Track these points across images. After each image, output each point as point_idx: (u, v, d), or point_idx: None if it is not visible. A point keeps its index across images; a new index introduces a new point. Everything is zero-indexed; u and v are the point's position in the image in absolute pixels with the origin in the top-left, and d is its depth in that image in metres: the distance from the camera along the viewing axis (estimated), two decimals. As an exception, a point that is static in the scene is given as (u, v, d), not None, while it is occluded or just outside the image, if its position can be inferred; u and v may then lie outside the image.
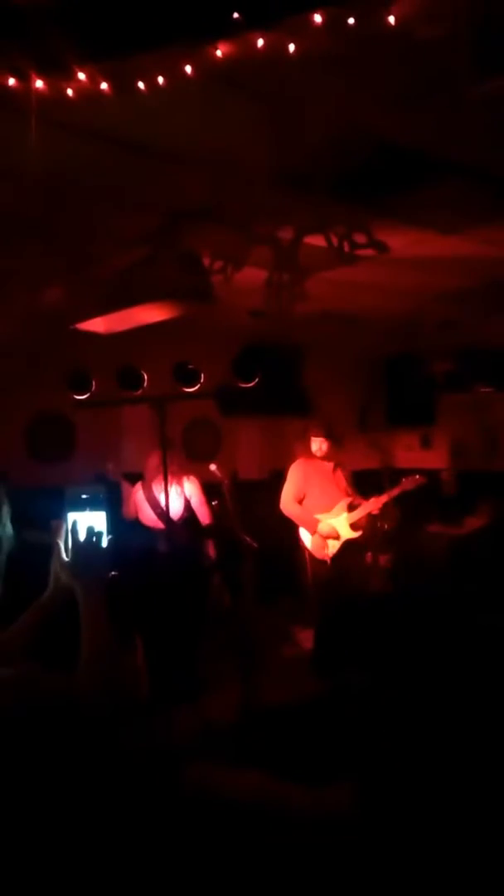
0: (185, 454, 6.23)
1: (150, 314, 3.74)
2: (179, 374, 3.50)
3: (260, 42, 1.93)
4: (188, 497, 5.18)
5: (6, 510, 1.31)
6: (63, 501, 1.58)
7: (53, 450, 6.03)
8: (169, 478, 4.92)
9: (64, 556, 1.56)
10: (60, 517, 1.57)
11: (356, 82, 2.34)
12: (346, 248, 3.12)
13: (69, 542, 1.51)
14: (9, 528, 1.30)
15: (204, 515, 5.27)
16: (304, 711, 4.49)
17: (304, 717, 4.42)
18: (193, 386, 3.51)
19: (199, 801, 3.03)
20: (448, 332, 6.06)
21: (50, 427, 6.00)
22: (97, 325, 3.99)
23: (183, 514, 5.17)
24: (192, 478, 5.23)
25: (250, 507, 5.47)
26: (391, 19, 1.82)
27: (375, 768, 3.11)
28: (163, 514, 4.71)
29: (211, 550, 5.44)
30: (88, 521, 1.57)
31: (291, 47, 1.93)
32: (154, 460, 4.92)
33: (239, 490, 5.44)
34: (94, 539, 1.48)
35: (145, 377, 3.53)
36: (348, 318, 5.87)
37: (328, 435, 5.42)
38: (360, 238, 3.15)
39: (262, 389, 4.32)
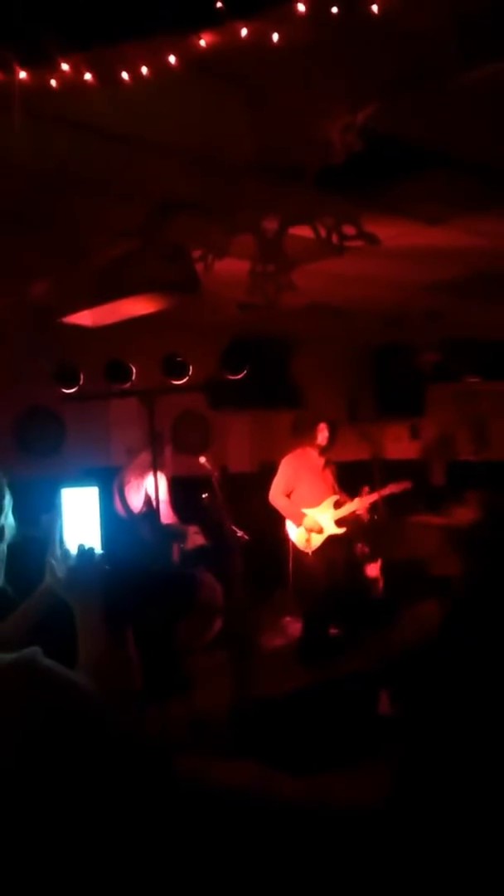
0: (175, 447, 6.23)
1: (138, 306, 3.73)
2: (168, 367, 3.50)
3: (243, 31, 1.93)
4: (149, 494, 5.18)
5: (8, 500, 1.31)
6: (53, 495, 1.58)
7: (43, 443, 6.01)
8: (140, 473, 4.95)
9: (57, 550, 1.55)
10: (51, 510, 1.57)
11: (340, 71, 2.34)
12: (335, 239, 3.12)
13: (59, 549, 1.51)
14: (10, 519, 1.31)
15: (165, 514, 5.26)
16: (294, 701, 4.52)
17: (294, 707, 4.45)
18: (182, 378, 3.51)
19: (192, 791, 3.05)
20: (435, 322, 6.08)
21: (39, 421, 5.99)
22: (84, 318, 3.98)
23: (142, 509, 5.17)
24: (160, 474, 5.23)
25: (240, 500, 5.49)
26: (374, 8, 1.82)
27: (377, 757, 3.14)
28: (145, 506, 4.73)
29: (198, 541, 5.46)
30: (81, 501, 1.58)
31: (275, 37, 1.93)
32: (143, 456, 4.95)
33: (229, 483, 5.46)
34: (89, 559, 1.47)
35: (133, 370, 3.53)
36: (336, 310, 5.88)
37: (331, 425, 5.48)
38: (349, 230, 3.15)
39: (251, 382, 4.33)
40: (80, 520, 1.59)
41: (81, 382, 3.61)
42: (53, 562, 1.57)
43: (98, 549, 1.51)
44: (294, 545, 5.55)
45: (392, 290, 5.41)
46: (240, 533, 5.37)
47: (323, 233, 3.12)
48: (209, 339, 5.50)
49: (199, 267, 3.40)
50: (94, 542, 1.56)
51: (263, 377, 5.95)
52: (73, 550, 1.51)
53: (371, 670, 4.41)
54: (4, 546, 1.29)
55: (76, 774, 1.24)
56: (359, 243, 3.15)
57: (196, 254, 3.29)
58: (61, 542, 1.59)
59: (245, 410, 7.05)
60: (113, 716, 1.34)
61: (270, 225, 3.20)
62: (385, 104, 2.57)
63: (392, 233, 3.99)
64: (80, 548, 1.49)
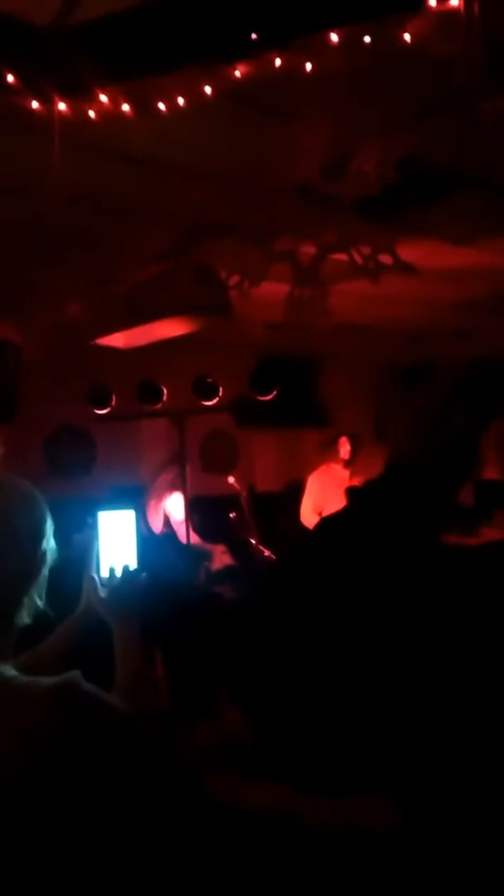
0: (203, 466, 6.26)
1: (169, 329, 3.78)
2: (199, 388, 3.53)
3: (277, 61, 1.97)
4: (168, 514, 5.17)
5: (50, 524, 1.33)
6: (85, 514, 1.61)
7: (73, 463, 6.08)
8: (159, 494, 4.95)
9: (94, 573, 1.57)
10: (83, 530, 1.60)
11: (372, 98, 2.38)
12: (372, 266, 3.15)
13: (98, 569, 1.53)
14: (52, 543, 1.33)
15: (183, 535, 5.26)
16: (321, 723, 4.47)
17: (322, 728, 4.39)
18: (212, 399, 3.54)
19: (218, 813, 3.03)
20: (463, 341, 6.07)
21: (70, 440, 6.05)
22: (117, 339, 4.04)
23: (162, 530, 5.17)
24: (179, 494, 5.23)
25: (268, 519, 5.48)
26: (406, 37, 1.85)
27: (406, 777, 3.10)
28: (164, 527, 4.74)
29: (225, 560, 5.45)
30: (118, 523, 1.60)
31: (308, 66, 1.97)
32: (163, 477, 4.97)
33: (255, 502, 5.46)
34: (133, 579, 1.49)
35: (164, 391, 3.57)
36: (363, 329, 5.89)
37: (353, 439, 5.47)
38: (385, 259, 3.19)
39: (278, 401, 4.35)
40: (116, 542, 1.61)
41: (113, 403, 3.66)
42: (90, 585, 1.59)
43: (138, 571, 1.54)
44: None
45: (419, 309, 5.42)
46: (267, 552, 5.37)
47: (360, 260, 3.15)
48: (235, 359, 5.54)
49: (234, 293, 3.44)
50: (131, 564, 1.59)
51: (291, 396, 5.97)
52: (109, 573, 1.53)
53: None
54: (46, 571, 1.31)
55: (110, 797, 1.26)
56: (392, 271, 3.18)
57: (233, 280, 3.33)
58: (97, 564, 1.61)
59: (272, 429, 7.07)
60: (149, 738, 1.35)
61: (308, 251, 3.24)
62: (415, 129, 2.61)
63: (420, 253, 4.02)
64: (125, 569, 1.52)
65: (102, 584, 1.59)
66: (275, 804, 3.16)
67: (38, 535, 1.28)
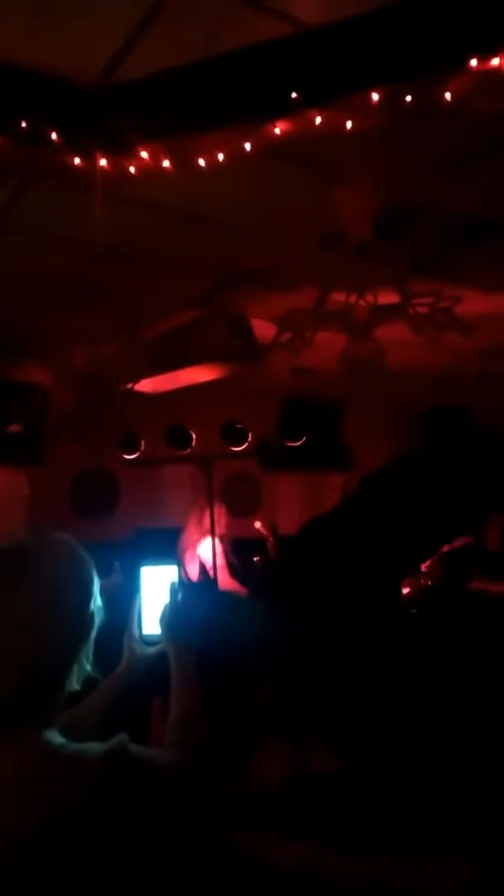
0: (226, 509, 6.24)
1: (197, 374, 3.80)
2: (228, 434, 3.53)
3: (318, 119, 1.99)
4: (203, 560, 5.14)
5: (97, 583, 1.30)
6: (109, 558, 1.59)
7: (97, 506, 6.07)
8: (192, 542, 4.92)
9: (135, 629, 1.55)
10: (108, 574, 1.58)
11: (407, 151, 2.40)
12: (431, 322, 3.17)
13: (140, 626, 1.52)
14: (99, 602, 1.30)
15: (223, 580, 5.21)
16: (353, 776, 4.35)
17: (353, 782, 4.27)
18: (241, 445, 3.53)
19: (246, 869, 2.93)
20: (486, 385, 6.05)
21: (94, 483, 6.06)
22: (144, 384, 4.06)
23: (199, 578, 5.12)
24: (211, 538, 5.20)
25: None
26: (447, 96, 1.87)
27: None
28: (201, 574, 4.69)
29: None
30: (161, 579, 1.59)
31: (349, 124, 1.99)
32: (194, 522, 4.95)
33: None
34: (193, 597, 1.48)
35: (193, 436, 3.57)
36: (388, 373, 5.89)
37: None
38: (442, 318, 3.21)
39: (302, 444, 4.34)
40: (159, 598, 1.58)
41: (142, 448, 3.66)
42: (132, 643, 1.57)
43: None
44: None
45: (444, 354, 5.42)
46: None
47: (416, 318, 3.16)
48: (259, 403, 5.55)
49: (285, 352, 3.44)
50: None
51: (315, 440, 5.96)
52: (170, 591, 1.52)
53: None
54: (94, 633, 1.28)
55: (153, 856, 1.22)
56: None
57: (284, 337, 3.35)
58: (139, 621, 1.59)
59: (295, 472, 7.04)
60: (196, 794, 1.32)
61: (362, 310, 3.24)
62: (447, 180, 2.63)
63: (448, 299, 4.03)
64: (185, 585, 1.50)
65: (145, 642, 1.56)
66: (306, 861, 3.06)
67: (87, 597, 1.26)
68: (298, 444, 3.76)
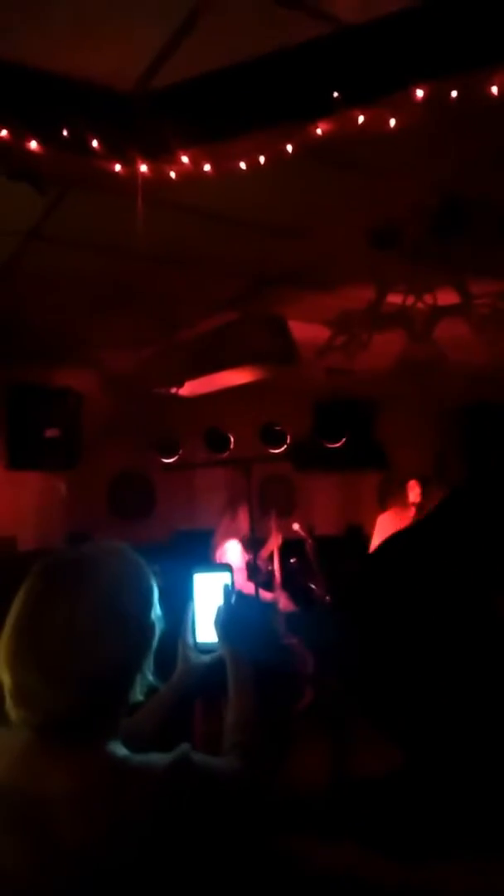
0: (261, 511, 6.23)
1: (234, 377, 3.79)
2: (267, 436, 3.52)
3: (360, 118, 1.97)
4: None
5: (156, 591, 1.29)
6: (148, 560, 1.58)
7: (133, 509, 6.11)
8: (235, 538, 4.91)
9: (189, 636, 1.55)
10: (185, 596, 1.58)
11: (449, 147, 2.37)
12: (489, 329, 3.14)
13: (194, 633, 1.52)
14: (158, 610, 1.28)
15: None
16: (394, 779, 4.31)
17: (395, 785, 4.23)
18: (280, 447, 3.52)
19: (290, 874, 2.91)
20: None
21: (131, 486, 6.10)
22: (182, 388, 4.06)
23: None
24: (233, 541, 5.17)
25: (327, 564, 5.40)
26: (494, 90, 1.83)
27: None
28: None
29: (287, 607, 5.36)
30: (214, 585, 1.58)
31: (392, 122, 1.96)
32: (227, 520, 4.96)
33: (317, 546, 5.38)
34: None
35: (231, 439, 3.56)
36: (424, 370, 5.83)
37: (423, 481, 5.38)
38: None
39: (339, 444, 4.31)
40: (212, 604, 1.58)
41: (180, 452, 3.67)
42: (186, 650, 1.56)
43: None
44: None
45: (480, 350, 5.34)
46: (330, 599, 5.27)
47: (475, 319, 3.12)
48: (293, 402, 5.53)
49: (339, 355, 3.42)
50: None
51: (349, 439, 5.92)
52: (224, 595, 1.51)
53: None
54: (156, 642, 1.27)
55: (216, 863, 1.22)
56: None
57: (338, 341, 3.33)
58: (193, 628, 1.58)
59: (330, 472, 7.01)
60: (257, 798, 1.31)
61: (422, 311, 3.21)
62: (490, 175, 2.58)
63: (487, 294, 3.97)
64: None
65: (199, 650, 1.56)
66: (350, 866, 3.03)
67: (148, 606, 1.25)
68: (338, 444, 3.73)
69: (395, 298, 3.35)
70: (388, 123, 1.96)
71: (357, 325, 3.17)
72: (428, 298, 3.23)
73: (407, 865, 2.95)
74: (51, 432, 5.01)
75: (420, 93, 1.86)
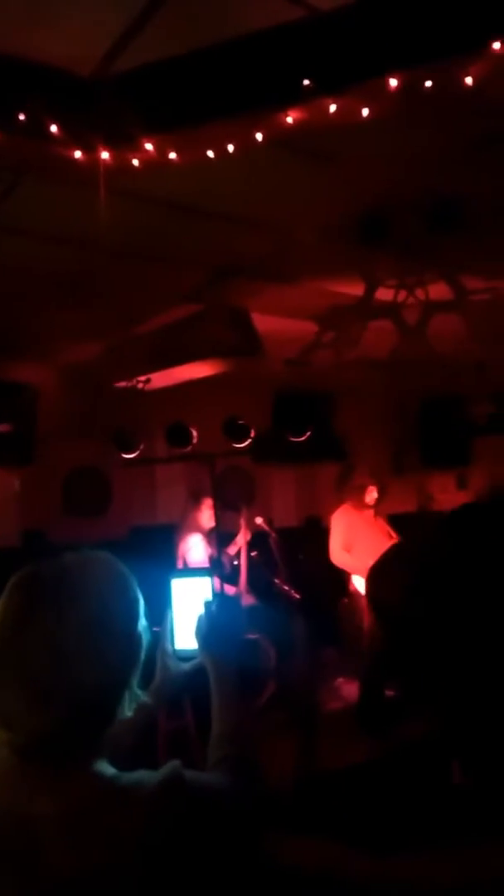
0: (219, 503, 6.18)
1: (197, 370, 3.72)
2: (230, 430, 3.46)
3: (332, 107, 1.92)
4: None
5: (141, 602, 1.22)
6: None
7: (89, 505, 5.99)
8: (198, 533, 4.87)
9: (168, 644, 1.49)
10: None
11: (419, 138, 2.34)
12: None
13: (173, 640, 1.46)
14: (144, 621, 1.21)
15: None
16: (361, 773, 4.33)
17: (362, 779, 4.26)
18: (244, 441, 3.47)
19: (263, 870, 2.89)
20: (485, 373, 6.01)
21: (86, 482, 5.97)
22: (142, 381, 3.98)
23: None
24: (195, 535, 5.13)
25: (286, 556, 5.40)
26: (468, 80, 1.80)
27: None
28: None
29: (248, 600, 5.35)
30: (193, 591, 1.53)
31: (365, 112, 1.92)
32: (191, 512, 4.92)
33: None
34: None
35: (194, 434, 3.49)
36: (382, 363, 5.84)
37: (380, 484, 5.42)
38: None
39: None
40: (191, 611, 1.52)
41: (141, 447, 3.58)
42: (165, 658, 1.51)
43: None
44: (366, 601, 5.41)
45: (441, 343, 5.37)
46: (291, 591, 5.28)
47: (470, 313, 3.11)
48: (251, 397, 5.48)
49: (329, 353, 3.36)
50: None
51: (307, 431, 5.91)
52: (204, 604, 1.46)
53: (441, 736, 4.22)
54: (143, 655, 1.20)
55: (210, 876, 1.17)
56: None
57: (326, 337, 3.26)
58: (172, 636, 1.52)
59: (289, 464, 6.99)
60: (249, 806, 1.27)
61: (411, 313, 3.16)
62: (457, 167, 2.57)
63: (447, 288, 3.98)
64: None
65: (178, 657, 1.50)
66: (321, 860, 3.02)
67: (135, 619, 1.18)
68: (302, 438, 3.69)
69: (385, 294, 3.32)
70: (360, 113, 1.91)
71: (347, 320, 3.12)
72: (420, 293, 3.20)
73: (380, 857, 2.96)
74: (3, 427, 4.88)
75: (394, 82, 1.81)
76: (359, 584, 5.41)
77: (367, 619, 5.33)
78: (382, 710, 5.04)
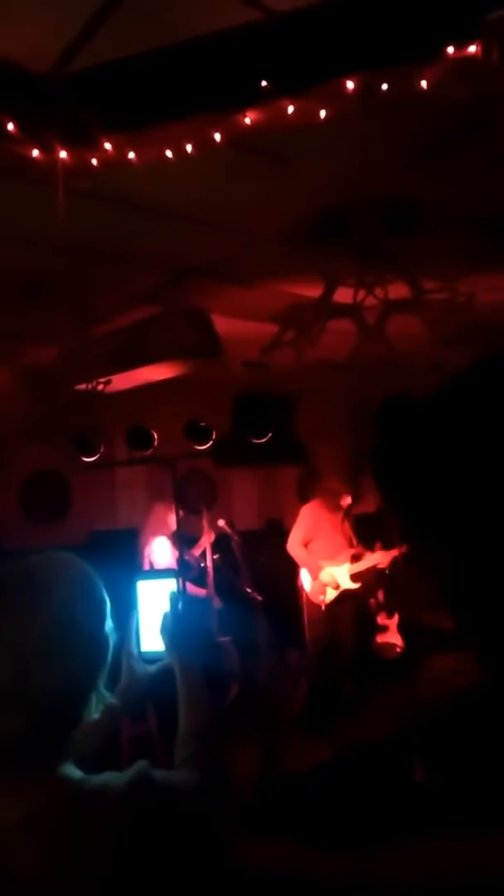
0: (181, 506, 6.15)
1: (157, 372, 3.70)
2: (192, 432, 3.45)
3: (290, 109, 1.93)
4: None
5: (108, 603, 1.20)
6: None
7: (48, 510, 5.90)
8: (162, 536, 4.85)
9: (133, 646, 1.48)
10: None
11: (375, 141, 2.36)
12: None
13: (139, 643, 1.45)
14: (111, 623, 1.20)
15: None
16: (324, 774, 4.35)
17: (324, 779, 4.28)
18: (206, 443, 3.46)
19: (228, 872, 2.89)
20: (439, 374, 6.10)
21: (44, 486, 5.89)
22: (101, 383, 3.94)
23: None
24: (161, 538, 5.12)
25: (248, 558, 5.40)
26: (423, 84, 1.83)
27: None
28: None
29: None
30: (159, 592, 1.52)
31: (322, 113, 1.94)
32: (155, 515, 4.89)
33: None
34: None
35: (155, 436, 3.48)
36: (340, 365, 5.89)
37: (354, 492, 5.49)
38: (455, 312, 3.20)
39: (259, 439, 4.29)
40: (157, 613, 1.51)
41: (101, 450, 3.55)
42: (131, 661, 1.49)
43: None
44: (308, 597, 5.45)
45: (399, 343, 5.44)
46: (254, 594, 5.27)
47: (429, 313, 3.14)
48: (212, 399, 5.48)
49: (289, 350, 3.36)
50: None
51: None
52: (170, 601, 1.45)
53: (399, 736, 4.27)
54: (110, 657, 1.19)
55: (180, 878, 1.17)
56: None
57: (287, 336, 3.26)
58: (138, 638, 1.51)
59: (250, 467, 7.00)
60: (215, 810, 1.27)
61: (372, 309, 3.17)
62: (412, 169, 2.60)
63: (404, 290, 4.03)
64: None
65: (144, 659, 1.49)
66: (283, 861, 3.03)
67: (101, 619, 1.16)
68: (264, 440, 3.70)
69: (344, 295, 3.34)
70: (318, 114, 1.93)
71: (307, 319, 3.13)
72: (379, 292, 3.23)
73: (342, 856, 2.97)
74: (-42, 432, 4.78)
75: (351, 84, 1.84)
76: (304, 579, 5.46)
77: (306, 614, 5.39)
78: (327, 708, 5.07)
